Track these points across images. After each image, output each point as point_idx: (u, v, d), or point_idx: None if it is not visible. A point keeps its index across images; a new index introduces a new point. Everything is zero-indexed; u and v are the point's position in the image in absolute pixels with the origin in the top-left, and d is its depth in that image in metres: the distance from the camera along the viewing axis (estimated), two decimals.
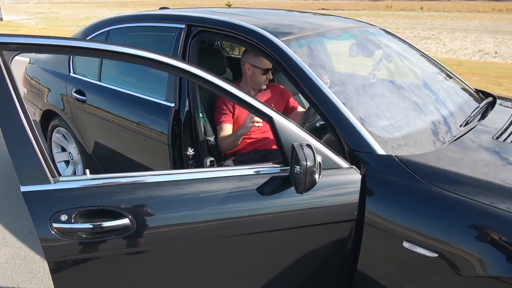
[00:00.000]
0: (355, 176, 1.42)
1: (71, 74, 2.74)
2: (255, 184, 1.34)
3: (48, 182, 1.15)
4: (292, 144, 1.27)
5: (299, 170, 1.18)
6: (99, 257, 1.18)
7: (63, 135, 3.03)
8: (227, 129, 2.23)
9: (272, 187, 1.37)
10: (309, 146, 1.24)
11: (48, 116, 3.03)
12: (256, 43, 1.80)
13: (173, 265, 1.29)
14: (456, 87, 2.22)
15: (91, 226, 1.15)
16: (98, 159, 2.65)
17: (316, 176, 1.18)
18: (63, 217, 1.13)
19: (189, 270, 1.32)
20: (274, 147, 2.34)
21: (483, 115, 1.90)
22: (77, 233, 1.14)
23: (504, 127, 1.74)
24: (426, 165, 1.39)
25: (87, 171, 1.21)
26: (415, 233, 1.28)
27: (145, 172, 1.27)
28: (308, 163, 1.15)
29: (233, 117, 2.25)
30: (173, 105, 2.06)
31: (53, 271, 1.16)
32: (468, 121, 1.81)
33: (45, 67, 3.03)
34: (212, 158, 2.15)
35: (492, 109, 1.97)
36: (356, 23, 2.44)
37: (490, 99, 2.18)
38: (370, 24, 2.49)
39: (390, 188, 1.37)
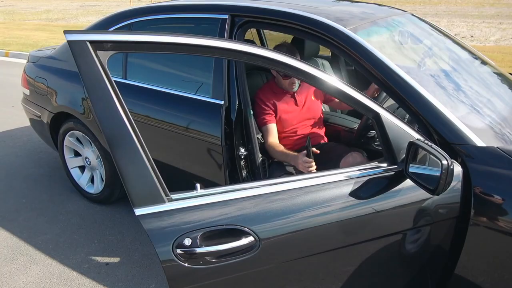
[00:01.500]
0: (457, 170, 1.35)
1: None
2: (359, 187, 1.25)
3: (163, 202, 1.01)
4: (412, 142, 1.19)
5: (436, 170, 1.09)
6: (226, 280, 1.05)
7: (77, 139, 2.80)
8: (273, 130, 2.11)
9: (373, 189, 1.28)
10: (430, 143, 1.16)
11: (58, 119, 2.79)
12: (320, 33, 1.68)
13: (299, 274, 1.19)
14: (497, 71, 2.20)
15: (217, 249, 1.02)
16: None
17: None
18: (187, 241, 0.99)
19: (311, 277, 1.22)
20: (323, 141, 2.25)
21: None
22: (204, 257, 1.01)
23: None
24: None
25: (198, 185, 1.07)
26: None
27: (258, 182, 1.14)
28: (448, 162, 1.06)
29: (275, 116, 2.13)
30: (222, 102, 1.92)
31: None
32: None
33: (52, 65, 2.78)
34: (264, 157, 2.04)
35: None
36: (392, 10, 2.36)
37: None
38: (402, 10, 2.43)
39: (499, 182, 1.31)
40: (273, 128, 2.11)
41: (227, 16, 1.94)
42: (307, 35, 1.74)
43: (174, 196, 1.03)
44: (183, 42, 1.03)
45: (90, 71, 0.97)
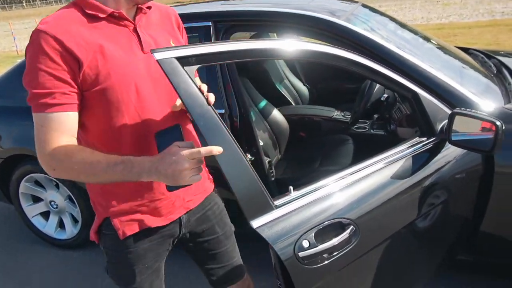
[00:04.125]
0: None
1: None
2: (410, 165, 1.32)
3: (272, 209, 0.97)
4: (455, 112, 1.29)
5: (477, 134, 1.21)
6: (339, 272, 1.08)
7: (36, 182, 2.46)
8: (66, 122, 0.96)
9: (420, 164, 1.35)
10: (474, 110, 1.28)
11: (8, 165, 2.42)
12: (320, 28, 1.73)
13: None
14: (451, 48, 2.46)
15: (331, 245, 1.03)
16: None
17: None
18: (305, 243, 0.99)
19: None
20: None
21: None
22: (321, 255, 1.02)
23: None
24: None
25: (291, 188, 1.05)
26: None
27: (340, 173, 1.14)
28: (501, 123, 1.18)
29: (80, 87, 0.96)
30: (223, 111, 1.87)
31: None
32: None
33: None
34: (269, 159, 2.03)
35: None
36: (347, 2, 2.51)
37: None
38: (354, 1, 2.58)
39: None
40: (67, 118, 0.95)
41: (210, 23, 1.89)
42: (304, 33, 1.78)
43: (276, 202, 1.00)
44: (277, 48, 1.01)
45: (187, 87, 0.90)
